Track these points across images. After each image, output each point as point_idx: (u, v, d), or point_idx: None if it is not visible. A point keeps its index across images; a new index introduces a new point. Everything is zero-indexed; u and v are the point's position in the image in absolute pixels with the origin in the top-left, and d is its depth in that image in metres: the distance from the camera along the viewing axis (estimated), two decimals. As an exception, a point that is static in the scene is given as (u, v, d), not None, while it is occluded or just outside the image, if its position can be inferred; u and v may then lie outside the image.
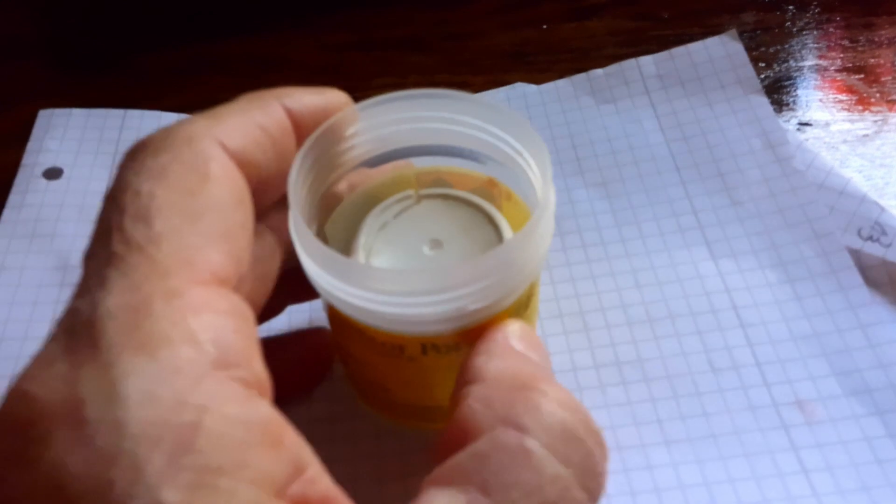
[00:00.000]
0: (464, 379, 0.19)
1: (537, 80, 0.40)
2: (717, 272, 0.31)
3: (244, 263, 0.18)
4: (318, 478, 0.15)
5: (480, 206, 0.23)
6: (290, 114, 0.21)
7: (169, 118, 0.39)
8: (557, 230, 0.33)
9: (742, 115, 0.36)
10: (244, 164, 0.19)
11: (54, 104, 0.39)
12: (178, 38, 0.45)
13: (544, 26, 0.44)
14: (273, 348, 0.19)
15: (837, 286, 0.30)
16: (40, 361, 0.14)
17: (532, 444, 0.16)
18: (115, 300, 0.15)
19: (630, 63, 0.39)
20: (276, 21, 0.45)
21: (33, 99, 0.40)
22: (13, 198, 0.35)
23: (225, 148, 0.18)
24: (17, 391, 0.14)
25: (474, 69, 0.42)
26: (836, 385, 0.27)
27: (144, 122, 0.39)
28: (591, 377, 0.28)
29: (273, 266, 0.22)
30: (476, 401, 0.17)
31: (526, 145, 0.22)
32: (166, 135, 0.18)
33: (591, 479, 0.17)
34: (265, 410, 0.15)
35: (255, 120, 0.19)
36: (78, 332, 0.14)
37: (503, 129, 0.22)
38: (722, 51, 0.38)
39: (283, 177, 0.20)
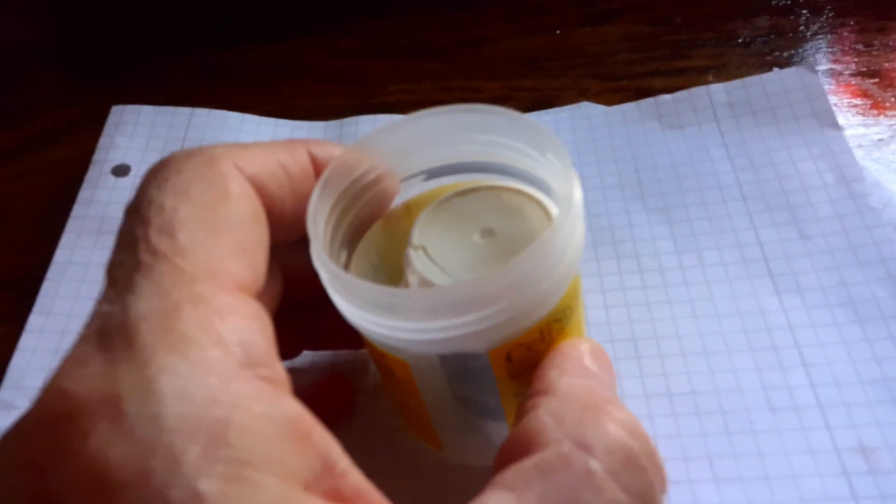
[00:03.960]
0: (535, 389, 0.19)
1: (550, 86, 0.40)
2: (780, 307, 0.30)
3: (261, 276, 0.18)
4: (348, 473, 0.16)
5: (529, 193, 0.22)
6: (315, 160, 0.21)
7: (233, 118, 0.40)
8: (613, 254, 0.32)
9: (816, 148, 0.34)
10: (258, 191, 0.19)
11: (68, 113, 0.40)
12: (192, 45, 0.45)
13: (558, 32, 0.44)
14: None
15: (911, 330, 0.28)
16: (73, 361, 0.15)
17: (596, 465, 0.16)
18: (146, 304, 0.15)
19: (700, 90, 0.38)
20: (291, 28, 0.46)
21: (45, 108, 0.41)
22: (83, 193, 0.36)
23: (241, 170, 0.19)
24: (54, 388, 0.15)
25: (488, 75, 0.42)
26: (905, 433, 0.26)
27: (211, 121, 0.39)
28: (640, 406, 0.27)
29: (271, 298, 0.22)
30: (547, 413, 0.18)
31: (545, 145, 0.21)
32: (189, 155, 0.19)
33: None
34: (291, 407, 0.15)
35: (275, 155, 0.20)
36: (111, 333, 0.15)
37: (519, 136, 0.22)
38: (798, 82, 0.37)
39: (298, 216, 0.21)
